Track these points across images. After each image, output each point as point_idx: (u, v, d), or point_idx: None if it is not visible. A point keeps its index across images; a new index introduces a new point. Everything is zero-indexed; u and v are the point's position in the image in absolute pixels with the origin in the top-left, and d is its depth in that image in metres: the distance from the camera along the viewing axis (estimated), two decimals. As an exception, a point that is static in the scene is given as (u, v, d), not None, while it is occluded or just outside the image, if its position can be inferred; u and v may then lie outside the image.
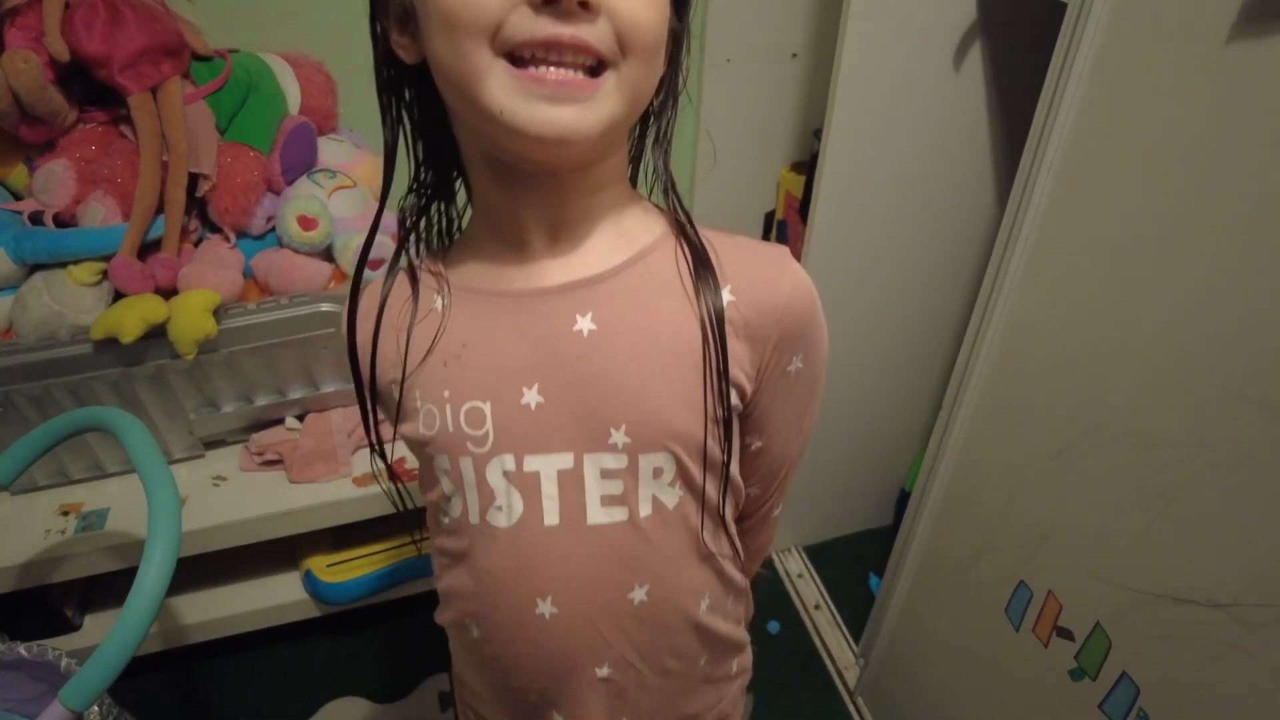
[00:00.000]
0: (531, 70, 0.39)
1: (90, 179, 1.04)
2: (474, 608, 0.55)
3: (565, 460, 0.49)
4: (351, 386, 1.23)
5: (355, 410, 1.18)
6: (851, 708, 1.36)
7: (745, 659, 0.68)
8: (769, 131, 1.48)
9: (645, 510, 0.50)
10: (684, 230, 0.49)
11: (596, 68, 0.41)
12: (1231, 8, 0.58)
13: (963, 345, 0.94)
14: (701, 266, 0.48)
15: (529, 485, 0.49)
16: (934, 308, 1.31)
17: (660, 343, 0.47)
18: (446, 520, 0.55)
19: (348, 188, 1.19)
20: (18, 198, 1.08)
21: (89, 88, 1.05)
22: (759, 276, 0.49)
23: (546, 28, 0.38)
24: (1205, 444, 0.65)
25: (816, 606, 1.52)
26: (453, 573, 0.56)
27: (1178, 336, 0.67)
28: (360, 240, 1.11)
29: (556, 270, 0.49)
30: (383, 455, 0.59)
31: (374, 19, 0.46)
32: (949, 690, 1.09)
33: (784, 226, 1.51)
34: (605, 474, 0.49)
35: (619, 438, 0.48)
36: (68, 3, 1.00)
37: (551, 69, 0.39)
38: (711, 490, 0.52)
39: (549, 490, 0.49)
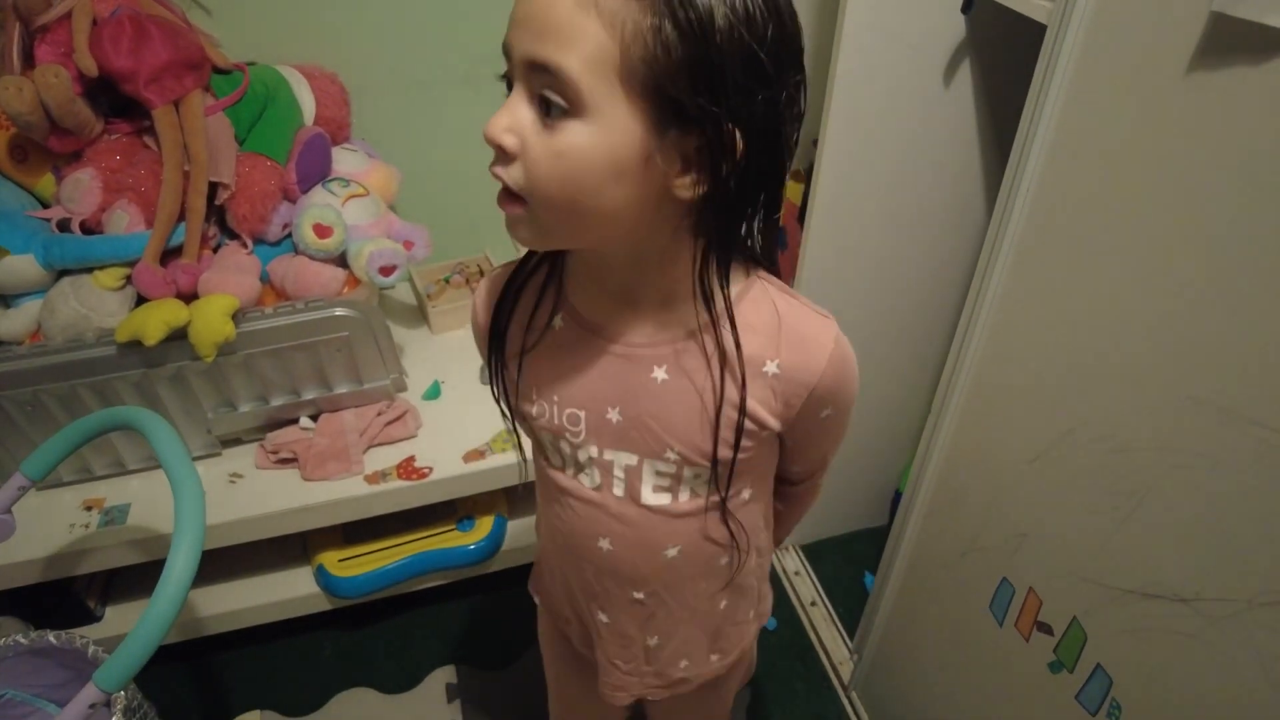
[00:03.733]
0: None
1: (115, 188, 1.09)
2: (562, 525, 0.72)
3: (631, 459, 0.64)
4: (362, 388, 1.28)
5: (367, 410, 1.24)
6: (846, 702, 1.40)
7: (763, 607, 0.85)
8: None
9: (684, 497, 0.66)
10: (719, 327, 0.57)
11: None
12: (1190, 41, 0.61)
13: (949, 353, 0.97)
14: (734, 359, 0.58)
15: (605, 467, 0.65)
16: (926, 313, 1.35)
17: (710, 396, 0.60)
18: (545, 463, 0.71)
19: (361, 196, 1.23)
20: (46, 206, 1.13)
21: (115, 100, 1.10)
22: (802, 355, 0.60)
23: (492, 164, 0.50)
24: (1168, 448, 0.69)
25: (813, 603, 1.56)
26: (550, 493, 0.72)
27: (1143, 347, 0.70)
28: (373, 247, 1.16)
29: (643, 329, 0.60)
30: (510, 414, 0.71)
31: None
32: (938, 684, 1.13)
33: (783, 232, 1.55)
34: (659, 474, 0.64)
35: (672, 455, 0.62)
36: (95, 19, 1.05)
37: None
38: (731, 485, 0.66)
39: (618, 474, 0.65)
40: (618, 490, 0.66)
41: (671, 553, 0.68)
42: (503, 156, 0.48)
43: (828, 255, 1.22)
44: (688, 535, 0.68)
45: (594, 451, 0.65)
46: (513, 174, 0.49)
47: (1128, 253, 0.71)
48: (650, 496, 0.65)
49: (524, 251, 0.63)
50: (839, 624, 1.52)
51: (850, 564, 1.62)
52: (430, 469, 1.20)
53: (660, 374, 0.60)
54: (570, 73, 0.44)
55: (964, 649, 1.05)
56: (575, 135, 0.46)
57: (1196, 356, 0.66)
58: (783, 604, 1.57)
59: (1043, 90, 0.78)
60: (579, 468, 0.67)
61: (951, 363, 0.97)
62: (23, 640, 0.96)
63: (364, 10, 1.31)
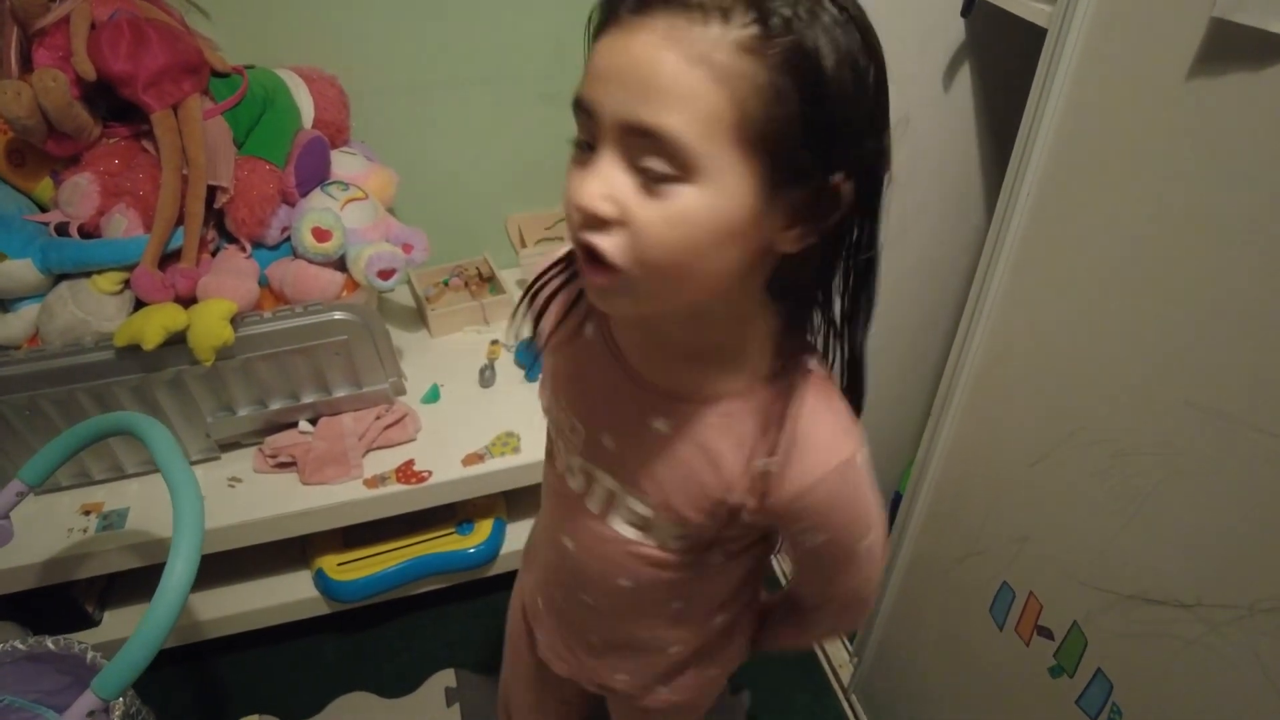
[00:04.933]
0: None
1: (113, 192, 1.09)
2: (545, 503, 0.75)
3: (614, 485, 0.63)
4: (361, 392, 1.27)
5: (366, 414, 1.23)
6: (846, 705, 1.40)
7: (729, 661, 0.81)
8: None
9: (652, 542, 0.64)
10: (781, 410, 0.54)
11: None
12: (1190, 46, 0.61)
13: (949, 357, 0.97)
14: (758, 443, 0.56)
15: (590, 479, 0.65)
16: (926, 315, 1.35)
17: (702, 466, 0.57)
18: (549, 442, 0.72)
19: (360, 200, 1.23)
20: (44, 210, 1.12)
21: (113, 104, 1.10)
22: (799, 465, 0.54)
23: (579, 231, 0.46)
24: (1169, 452, 0.68)
25: (813, 606, 1.56)
26: (547, 468, 0.73)
27: (1143, 351, 0.70)
28: (372, 251, 1.16)
29: (662, 373, 0.58)
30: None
31: None
32: (938, 688, 1.13)
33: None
34: (634, 511, 0.63)
35: (650, 503, 0.61)
36: (94, 23, 1.04)
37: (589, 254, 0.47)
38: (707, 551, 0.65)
39: (599, 492, 0.65)
40: (593, 505, 0.65)
41: (625, 583, 0.67)
42: (596, 224, 0.45)
43: (827, 258, 1.22)
44: (646, 575, 0.66)
45: (583, 463, 0.65)
46: (613, 243, 0.45)
47: (1127, 257, 0.71)
48: (621, 526, 0.64)
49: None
50: (839, 627, 1.51)
51: (850, 566, 1.62)
52: (429, 473, 1.20)
53: (662, 426, 0.58)
54: (682, 137, 0.41)
55: (964, 653, 1.05)
56: (688, 201, 0.43)
57: (1196, 361, 0.66)
58: (783, 607, 1.57)
59: (1043, 94, 0.78)
60: (569, 468, 0.67)
61: (952, 365, 0.97)
62: (21, 646, 0.96)
63: (363, 14, 1.31)
